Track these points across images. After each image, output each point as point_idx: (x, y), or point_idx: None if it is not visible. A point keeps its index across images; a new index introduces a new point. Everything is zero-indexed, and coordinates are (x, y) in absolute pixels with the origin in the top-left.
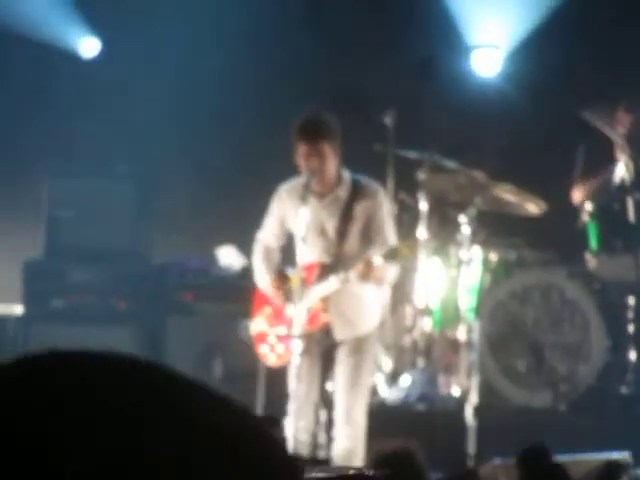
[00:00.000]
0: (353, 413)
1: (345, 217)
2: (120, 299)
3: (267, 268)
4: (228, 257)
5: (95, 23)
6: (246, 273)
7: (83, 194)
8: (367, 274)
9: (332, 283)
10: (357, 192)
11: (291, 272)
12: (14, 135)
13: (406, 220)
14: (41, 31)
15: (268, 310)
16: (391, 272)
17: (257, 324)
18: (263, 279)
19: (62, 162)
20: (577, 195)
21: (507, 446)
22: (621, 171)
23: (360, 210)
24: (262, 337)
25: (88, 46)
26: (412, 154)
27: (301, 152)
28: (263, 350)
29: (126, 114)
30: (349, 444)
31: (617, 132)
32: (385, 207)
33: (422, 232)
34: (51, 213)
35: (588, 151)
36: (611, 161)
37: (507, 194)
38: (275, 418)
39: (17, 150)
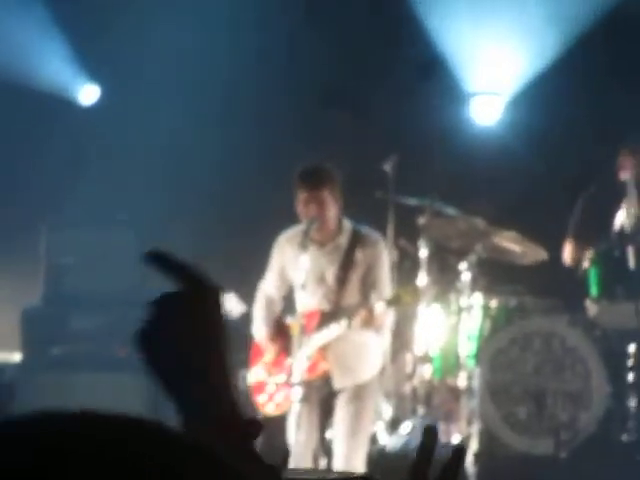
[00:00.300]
0: (352, 462)
1: (345, 265)
2: (121, 346)
3: (266, 319)
4: (228, 304)
5: (94, 70)
6: (247, 320)
7: (82, 241)
8: (368, 321)
9: (332, 331)
10: (357, 241)
11: (291, 320)
12: (14, 183)
13: (406, 267)
14: (38, 80)
15: (267, 358)
16: (389, 319)
17: (255, 373)
18: (260, 330)
19: (62, 210)
20: (567, 256)
21: None
22: (622, 217)
23: (360, 258)
24: (260, 386)
25: (87, 93)
26: (412, 201)
27: (301, 199)
28: (261, 399)
29: (126, 161)
30: None
31: (618, 177)
32: (385, 257)
33: (422, 279)
34: (50, 260)
35: (590, 199)
36: (615, 208)
37: (508, 242)
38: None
39: (17, 198)
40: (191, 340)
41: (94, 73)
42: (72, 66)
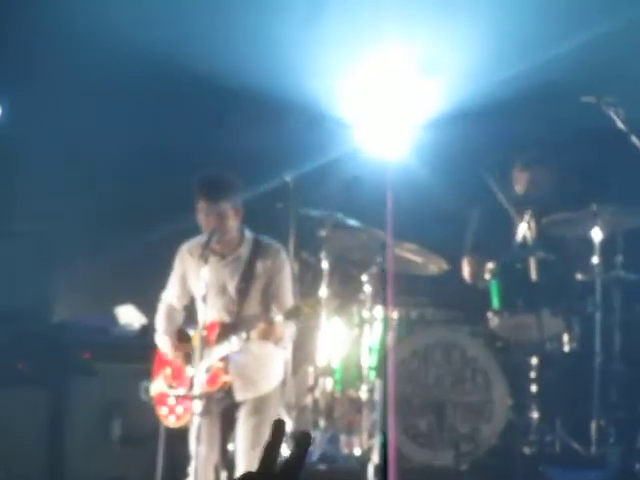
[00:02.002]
0: None
1: (246, 276)
2: (19, 359)
3: (168, 329)
4: (127, 316)
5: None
6: (146, 332)
7: None
8: (268, 333)
9: (233, 343)
10: (259, 251)
11: (192, 332)
12: None
13: (308, 279)
14: None
15: (168, 371)
16: (290, 331)
17: (157, 385)
18: (163, 339)
19: None
20: (466, 273)
21: None
22: (523, 230)
23: (261, 269)
24: (162, 398)
25: None
26: (314, 212)
27: (201, 210)
28: (163, 411)
29: (27, 171)
30: None
31: (515, 192)
32: (286, 267)
33: (324, 291)
34: None
35: (483, 215)
36: (511, 222)
37: (409, 253)
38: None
39: None
40: None
41: None
42: None
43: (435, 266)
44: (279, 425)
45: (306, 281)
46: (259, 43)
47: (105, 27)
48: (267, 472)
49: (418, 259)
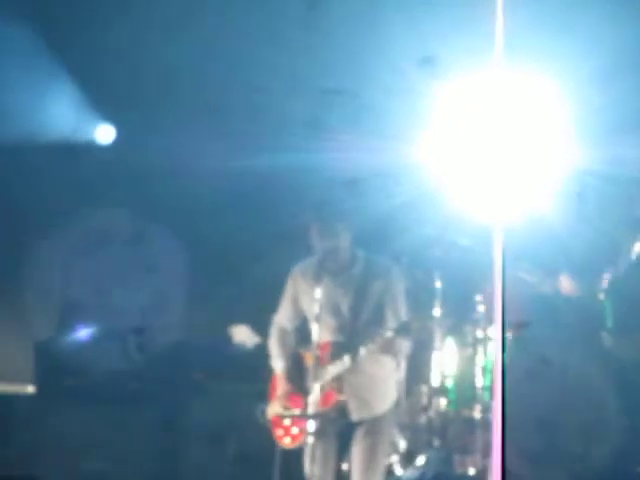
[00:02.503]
0: None
1: (359, 295)
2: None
3: (282, 352)
4: (242, 335)
5: None
6: (260, 352)
7: None
8: (382, 348)
9: (346, 361)
10: (371, 270)
11: (305, 352)
12: None
13: (422, 298)
14: None
15: (283, 392)
16: (404, 348)
17: (273, 407)
18: (277, 363)
19: None
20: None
21: None
22: (638, 246)
23: (374, 288)
24: (278, 420)
25: None
26: (429, 231)
27: (314, 231)
28: (279, 433)
29: None
30: None
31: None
32: (399, 285)
33: (437, 310)
34: None
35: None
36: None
37: (524, 273)
38: None
39: None
40: None
41: None
42: None
43: (549, 286)
44: None
45: (420, 300)
46: None
47: None
48: None
49: (533, 279)
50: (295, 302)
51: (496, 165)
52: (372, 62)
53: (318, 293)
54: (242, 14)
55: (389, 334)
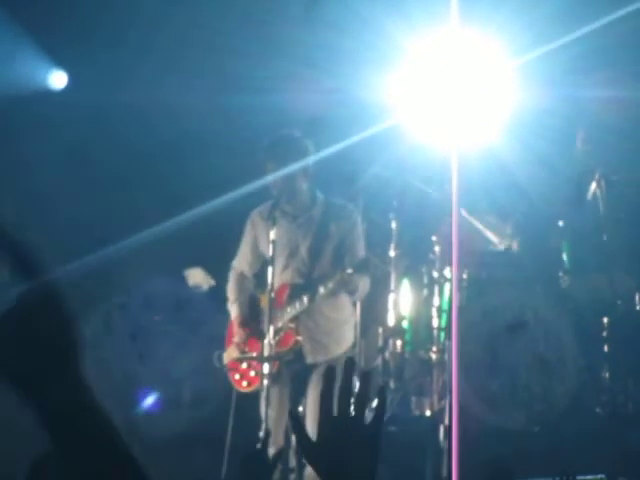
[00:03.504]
0: None
1: (319, 237)
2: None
3: (239, 297)
4: (196, 278)
5: None
6: (216, 294)
7: None
8: (341, 284)
9: (304, 302)
10: (331, 212)
11: (261, 294)
12: None
13: (376, 239)
14: None
15: (241, 336)
16: (363, 285)
17: (230, 352)
18: (235, 307)
19: None
20: None
21: (480, 468)
22: (592, 189)
23: (334, 230)
24: (235, 365)
25: None
26: (384, 173)
27: (270, 171)
28: (236, 377)
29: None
30: None
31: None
32: (359, 227)
33: (393, 250)
34: None
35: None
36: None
37: (483, 227)
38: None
39: None
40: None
41: None
42: None
43: (507, 243)
44: (349, 365)
45: (375, 241)
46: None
47: None
48: (345, 415)
49: (493, 237)
50: (254, 246)
51: (450, 108)
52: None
53: (274, 235)
54: None
55: (348, 271)
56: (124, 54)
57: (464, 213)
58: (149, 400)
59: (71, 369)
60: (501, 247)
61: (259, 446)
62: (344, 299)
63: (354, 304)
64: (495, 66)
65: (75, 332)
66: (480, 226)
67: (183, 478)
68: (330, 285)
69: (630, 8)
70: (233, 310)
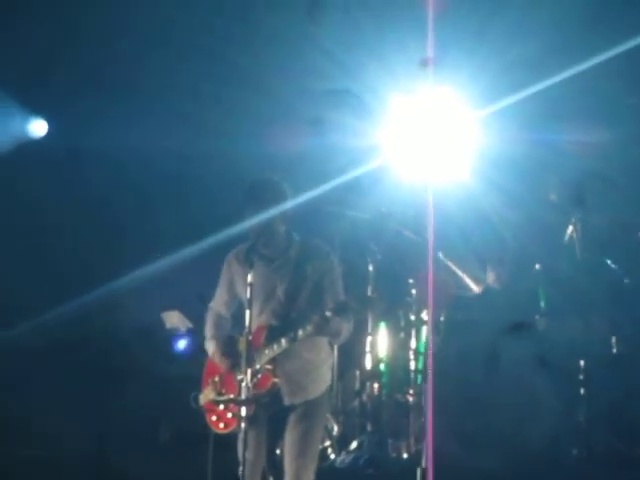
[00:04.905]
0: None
1: (296, 279)
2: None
3: (216, 336)
4: (173, 320)
5: None
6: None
7: None
8: (321, 328)
9: (282, 344)
10: (308, 254)
11: (239, 337)
12: None
13: (354, 282)
14: None
15: (217, 378)
16: (345, 328)
17: (207, 394)
18: (211, 345)
19: None
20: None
21: None
22: (569, 232)
23: (311, 271)
24: (212, 406)
25: None
26: (361, 215)
27: (248, 214)
28: (213, 418)
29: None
30: None
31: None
32: (336, 269)
33: (370, 293)
34: None
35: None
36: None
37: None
38: None
39: None
40: None
41: None
42: None
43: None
44: None
45: (352, 284)
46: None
47: None
48: None
49: (470, 283)
50: (230, 287)
51: (428, 153)
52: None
53: (251, 278)
54: None
55: (328, 314)
56: (103, 100)
57: (441, 256)
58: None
59: None
60: (478, 292)
61: None
62: (321, 341)
63: (331, 346)
64: (472, 112)
65: None
66: (457, 271)
67: None
68: (309, 328)
69: (604, 56)
70: (211, 345)
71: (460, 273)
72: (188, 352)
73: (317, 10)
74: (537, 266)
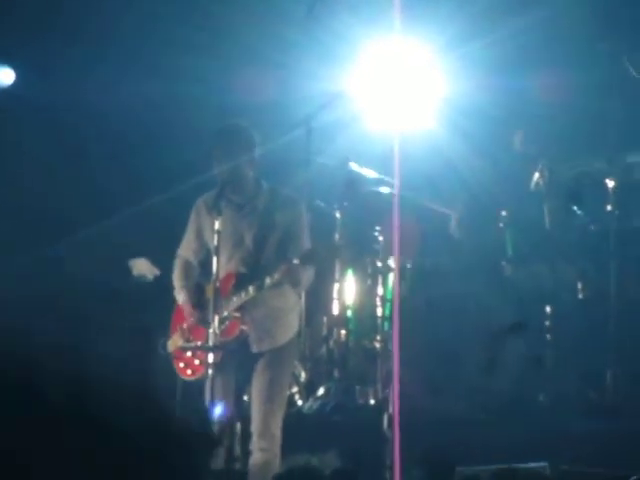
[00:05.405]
0: (269, 426)
1: (264, 227)
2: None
3: (184, 284)
4: (141, 268)
5: None
6: (159, 284)
7: None
8: (286, 276)
9: (250, 292)
10: (276, 202)
11: (207, 284)
12: None
13: (321, 228)
14: None
15: (185, 325)
16: (308, 276)
17: (174, 341)
18: (180, 295)
19: None
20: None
21: (425, 457)
22: (535, 179)
23: (279, 220)
24: (179, 353)
25: None
26: (329, 161)
27: (216, 160)
28: (180, 365)
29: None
30: (265, 457)
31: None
32: (304, 217)
33: (337, 240)
34: None
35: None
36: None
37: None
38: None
39: None
40: None
41: None
42: None
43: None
44: None
45: (319, 230)
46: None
47: None
48: None
49: (434, 206)
50: (198, 234)
51: (394, 99)
52: None
53: (218, 225)
54: None
55: (295, 262)
56: (77, 50)
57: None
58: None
59: None
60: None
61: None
62: (288, 289)
63: (298, 294)
64: (438, 57)
65: None
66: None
67: None
68: (276, 275)
69: (572, 1)
70: (181, 295)
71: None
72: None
73: None
74: (503, 212)
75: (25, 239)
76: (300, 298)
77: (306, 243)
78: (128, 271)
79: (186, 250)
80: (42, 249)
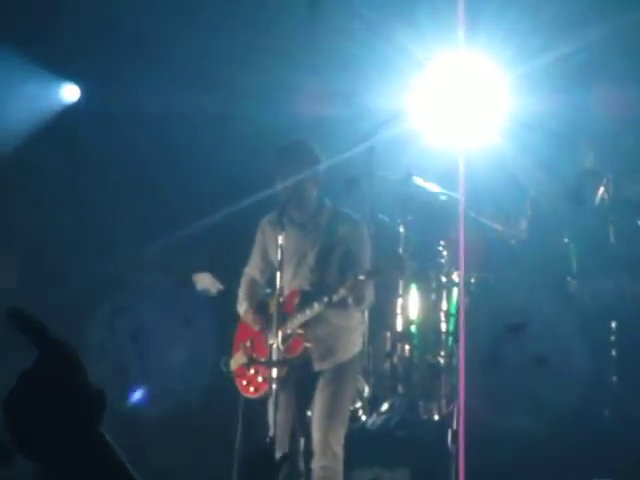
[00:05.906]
0: (329, 443)
1: (326, 245)
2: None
3: (249, 301)
4: (205, 282)
5: None
6: (226, 299)
7: None
8: (351, 293)
9: (315, 309)
10: (338, 220)
11: (270, 300)
12: None
13: (384, 243)
14: None
15: (249, 343)
16: (370, 294)
17: (237, 358)
18: (243, 305)
19: None
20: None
21: (490, 472)
22: (600, 194)
23: (341, 237)
24: (242, 371)
25: None
26: (393, 175)
27: (279, 178)
28: (243, 383)
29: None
30: (325, 475)
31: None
32: (366, 236)
33: (402, 254)
34: None
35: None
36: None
37: (488, 219)
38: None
39: None
40: (51, 406)
41: None
42: None
43: (514, 234)
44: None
45: (383, 245)
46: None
47: None
48: None
49: (498, 226)
50: (264, 253)
51: (458, 114)
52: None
53: (281, 239)
54: None
55: (360, 277)
56: (136, 65)
57: (472, 214)
58: (138, 394)
59: (92, 432)
60: (511, 240)
61: (266, 449)
62: (352, 307)
63: (362, 313)
64: (502, 73)
65: (93, 393)
66: (488, 221)
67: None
68: (342, 292)
69: (634, 16)
70: (244, 305)
71: (491, 222)
72: (143, 402)
73: None
74: (569, 225)
75: (92, 253)
76: (364, 317)
77: (367, 262)
78: (192, 285)
79: (253, 269)
80: (102, 265)
